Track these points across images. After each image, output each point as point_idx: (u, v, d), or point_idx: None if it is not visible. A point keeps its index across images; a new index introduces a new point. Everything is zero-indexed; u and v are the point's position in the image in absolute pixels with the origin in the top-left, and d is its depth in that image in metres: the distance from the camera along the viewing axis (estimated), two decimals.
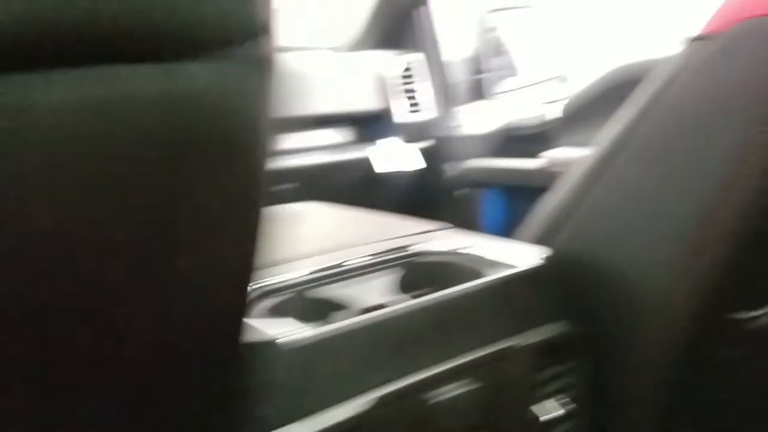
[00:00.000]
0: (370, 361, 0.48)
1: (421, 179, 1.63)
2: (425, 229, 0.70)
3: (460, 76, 1.78)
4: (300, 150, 1.54)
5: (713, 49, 0.53)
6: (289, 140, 1.56)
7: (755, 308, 0.62)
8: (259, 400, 0.43)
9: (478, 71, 1.78)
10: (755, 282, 0.62)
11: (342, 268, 0.60)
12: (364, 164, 1.55)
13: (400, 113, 1.58)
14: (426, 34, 1.68)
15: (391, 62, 1.57)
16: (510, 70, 1.86)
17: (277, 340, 0.45)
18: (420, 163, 1.56)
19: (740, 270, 0.58)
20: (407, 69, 1.59)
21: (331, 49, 1.74)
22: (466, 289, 0.55)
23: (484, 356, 0.53)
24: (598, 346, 0.62)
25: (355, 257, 0.61)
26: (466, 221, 1.00)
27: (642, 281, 0.60)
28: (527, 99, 1.66)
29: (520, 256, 0.60)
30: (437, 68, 1.69)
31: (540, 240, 0.66)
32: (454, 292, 0.54)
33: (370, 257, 0.61)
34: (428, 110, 1.62)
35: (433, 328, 0.52)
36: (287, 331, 0.46)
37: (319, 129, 1.59)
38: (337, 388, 0.46)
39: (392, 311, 0.50)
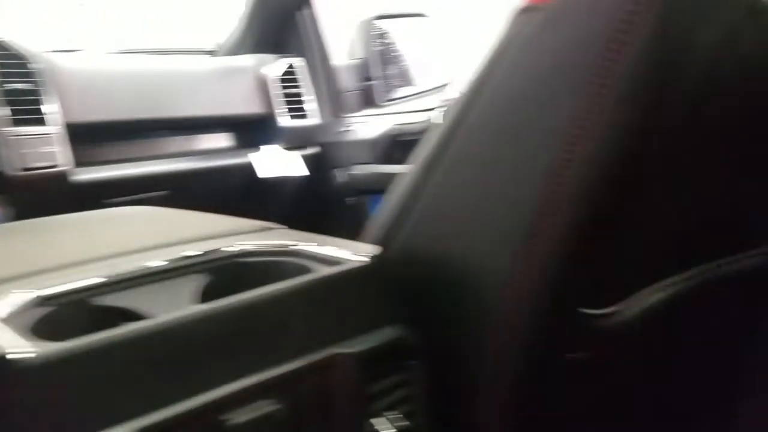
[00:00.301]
0: (142, 380, 0.39)
1: (307, 186, 1.56)
2: (251, 229, 0.62)
3: (349, 82, 1.73)
4: (175, 155, 1.44)
5: (539, 21, 0.48)
6: (163, 144, 1.46)
7: (605, 305, 0.58)
8: None
9: (369, 78, 1.74)
10: (603, 276, 0.57)
11: (138, 273, 0.51)
12: (247, 170, 1.47)
13: (283, 118, 1.51)
14: (310, 37, 1.61)
15: (270, 66, 1.49)
16: (402, 78, 1.83)
17: (8, 356, 0.35)
18: (303, 170, 1.49)
19: (585, 262, 0.54)
20: (288, 73, 1.52)
21: (208, 52, 1.66)
22: (275, 290, 0.47)
23: (300, 368, 0.46)
24: (436, 352, 0.56)
25: (158, 260, 0.53)
26: (354, 229, 0.93)
27: (481, 279, 0.54)
28: (417, 106, 1.62)
29: (348, 255, 0.53)
30: (323, 73, 1.63)
31: (379, 241, 0.60)
32: (261, 294, 0.46)
33: (175, 260, 0.53)
34: (313, 115, 1.55)
35: (232, 337, 0.44)
36: (28, 345, 0.37)
37: (198, 134, 1.50)
38: (90, 417, 0.37)
39: (175, 318, 0.42)
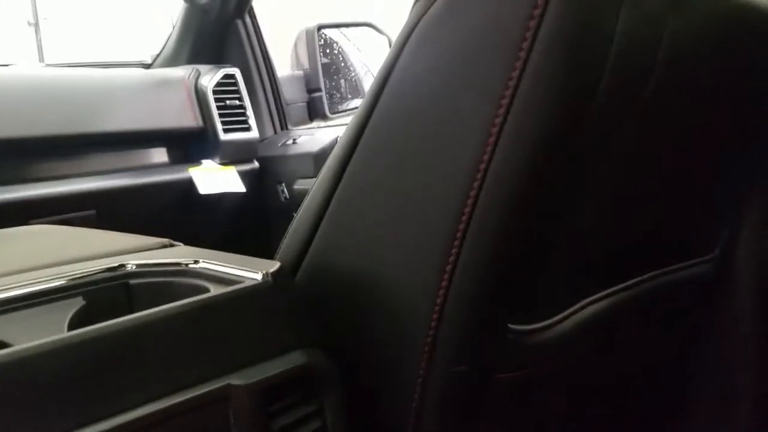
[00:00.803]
0: None
1: (247, 203, 1.49)
2: (150, 246, 0.56)
3: (295, 93, 1.68)
4: (105, 171, 1.36)
5: (437, 11, 0.43)
6: (93, 161, 1.38)
7: (537, 320, 0.53)
8: None
9: (315, 89, 1.69)
10: (533, 290, 0.53)
11: (6, 298, 0.44)
12: (183, 186, 1.40)
13: (219, 131, 1.45)
14: (251, 46, 1.56)
15: (205, 76, 1.43)
16: (352, 89, 1.79)
17: None
18: (240, 187, 1.43)
19: (511, 276, 0.49)
20: (226, 84, 1.46)
21: (144, 65, 1.59)
22: (158, 313, 0.41)
23: (187, 402, 0.40)
24: (354, 379, 0.51)
25: (32, 282, 0.46)
26: None
27: (397, 297, 0.49)
28: None
29: (247, 273, 0.48)
30: (265, 84, 1.58)
31: (288, 260, 0.55)
32: (141, 318, 0.40)
33: (49, 282, 0.47)
34: (253, 128, 1.49)
35: (106, 367, 0.37)
36: None
37: (130, 149, 1.42)
38: None
39: (34, 347, 0.36)
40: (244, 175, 1.49)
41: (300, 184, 1.49)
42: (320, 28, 1.63)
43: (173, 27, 1.53)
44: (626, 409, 0.67)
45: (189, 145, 1.47)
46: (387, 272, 0.50)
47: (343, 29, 1.74)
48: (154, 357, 0.40)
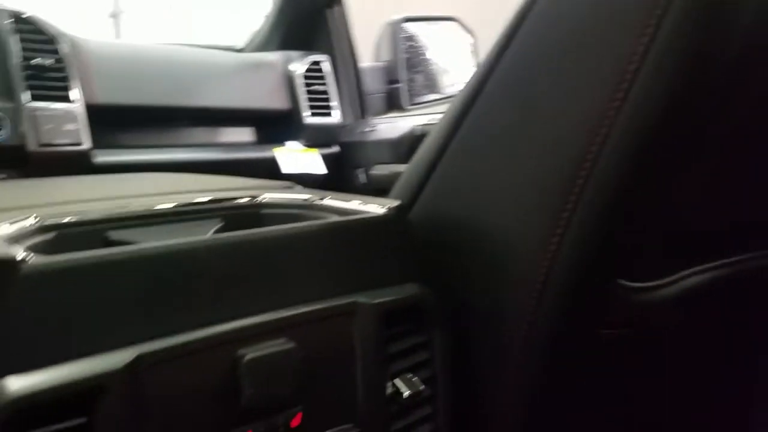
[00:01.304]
0: (148, 305, 0.37)
1: (326, 185, 1.54)
2: (275, 186, 0.60)
3: (374, 84, 1.72)
4: (197, 145, 1.43)
5: None
6: (185, 134, 1.45)
7: (644, 279, 0.54)
8: None
9: (394, 81, 1.73)
10: (645, 249, 0.54)
11: (150, 212, 0.49)
12: (268, 165, 1.45)
13: (306, 115, 1.50)
14: (339, 35, 1.61)
15: (295, 62, 1.49)
16: (429, 83, 1.82)
17: (17, 261, 0.33)
18: (322, 169, 1.47)
19: (626, 230, 0.51)
20: (314, 70, 1.51)
21: (237, 50, 1.66)
22: (295, 229, 0.44)
23: (317, 311, 0.43)
24: (459, 319, 0.53)
25: (172, 203, 0.51)
26: None
27: (510, 245, 0.51)
28: (443, 110, 1.60)
29: (368, 208, 0.51)
30: (349, 72, 1.62)
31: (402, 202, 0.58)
32: (280, 231, 0.44)
33: (190, 204, 0.51)
34: (336, 114, 1.54)
35: (249, 270, 0.41)
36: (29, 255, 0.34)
37: (221, 126, 1.49)
38: (89, 335, 0.35)
39: (188, 243, 0.39)
40: (325, 159, 1.53)
41: (377, 170, 1.52)
42: (405, 20, 1.66)
43: (266, 15, 1.60)
44: (713, 386, 0.67)
45: (275, 126, 1.52)
46: (498, 222, 0.52)
47: (426, 24, 1.77)
48: (291, 267, 0.43)
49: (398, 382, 0.48)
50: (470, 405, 0.53)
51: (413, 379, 0.49)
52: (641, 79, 0.44)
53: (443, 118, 0.56)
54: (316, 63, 1.52)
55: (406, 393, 0.48)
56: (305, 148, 1.51)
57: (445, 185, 0.56)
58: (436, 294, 0.51)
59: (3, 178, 1.11)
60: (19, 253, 0.33)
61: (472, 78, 0.54)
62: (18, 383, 0.32)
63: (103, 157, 1.24)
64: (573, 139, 0.47)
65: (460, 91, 0.55)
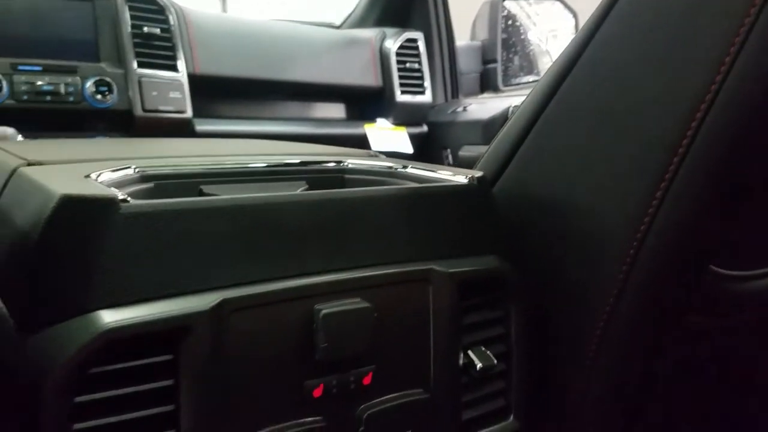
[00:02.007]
0: (235, 253, 0.38)
1: None
2: (354, 153, 0.61)
3: (469, 64, 1.70)
4: (291, 119, 1.47)
5: None
6: (280, 108, 1.49)
7: (742, 267, 0.51)
8: (90, 272, 0.34)
9: (490, 61, 1.70)
10: (740, 236, 0.51)
11: (242, 170, 0.51)
12: (359, 141, 1.47)
13: (397, 93, 1.50)
14: (436, 13, 1.60)
15: (390, 39, 1.49)
16: (526, 65, 1.77)
17: (118, 200, 0.35)
18: (408, 148, 1.48)
19: (721, 215, 0.48)
20: (408, 47, 1.51)
21: (334, 26, 1.68)
22: (372, 192, 0.45)
23: (394, 274, 0.43)
24: (538, 296, 0.52)
25: (264, 163, 0.52)
26: None
27: (597, 218, 0.49)
28: None
29: (452, 177, 0.51)
30: (444, 50, 1.61)
31: (488, 173, 0.57)
32: (358, 192, 0.44)
33: (281, 166, 0.52)
34: (427, 92, 1.54)
35: (331, 229, 0.42)
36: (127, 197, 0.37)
37: (313, 101, 1.52)
38: (178, 277, 0.36)
39: (276, 197, 0.41)
40: (413, 138, 1.54)
41: (466, 151, 1.51)
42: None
43: None
44: None
45: (366, 103, 1.54)
46: (586, 199, 0.50)
47: (527, 4, 1.72)
48: (371, 229, 0.44)
49: (471, 353, 0.48)
50: (544, 383, 0.52)
51: (487, 353, 0.48)
52: (741, 61, 0.41)
53: (532, 94, 0.55)
54: (411, 40, 1.52)
55: (479, 365, 0.47)
56: (394, 126, 1.52)
57: (531, 160, 0.55)
58: (516, 269, 0.50)
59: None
60: (120, 195, 0.36)
61: (562, 55, 0.53)
62: (110, 317, 0.34)
63: (202, 126, 1.30)
64: (668, 121, 0.45)
65: (550, 67, 0.54)
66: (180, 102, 1.21)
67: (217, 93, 1.37)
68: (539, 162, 0.55)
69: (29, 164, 0.45)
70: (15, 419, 0.34)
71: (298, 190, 0.49)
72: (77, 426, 0.33)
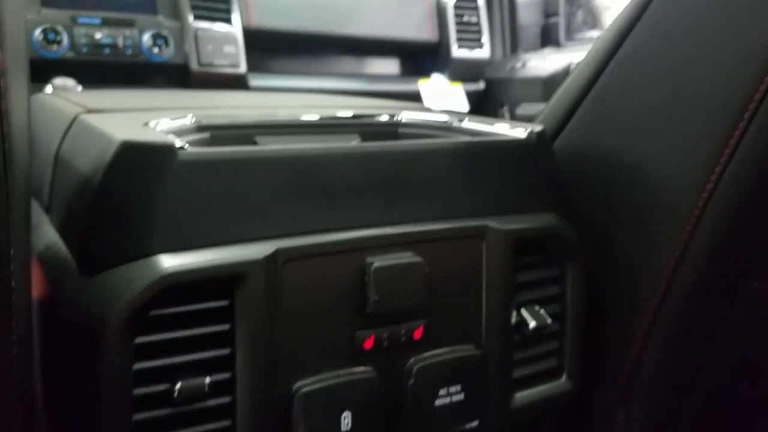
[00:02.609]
0: (290, 203, 0.38)
1: None
2: (408, 107, 0.59)
3: (530, 17, 1.64)
4: (345, 75, 1.46)
5: None
6: (333, 63, 1.48)
7: None
8: (145, 219, 0.35)
9: (553, 14, 1.64)
10: None
11: (297, 122, 0.50)
12: (413, 98, 1.45)
13: (453, 48, 1.47)
14: None
15: None
16: (590, 20, 1.70)
17: (176, 148, 0.36)
18: (464, 106, 1.45)
19: None
20: (465, 0, 1.46)
21: None
22: (427, 145, 0.44)
23: (448, 230, 0.43)
24: (596, 253, 0.50)
25: (318, 116, 0.52)
26: None
27: (662, 177, 0.47)
28: None
29: (511, 132, 0.49)
30: (503, 3, 1.56)
31: (548, 128, 0.55)
32: (413, 145, 0.43)
33: (335, 118, 0.52)
34: (485, 47, 1.49)
35: (386, 181, 0.41)
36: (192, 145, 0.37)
37: (367, 56, 1.51)
38: (232, 224, 0.37)
39: (331, 148, 0.40)
40: (469, 95, 1.51)
41: (524, 109, 1.47)
42: None
43: None
44: None
45: (421, 58, 1.51)
46: (650, 157, 0.48)
47: None
48: (425, 183, 0.43)
49: (525, 312, 0.47)
50: (599, 346, 0.51)
51: (541, 312, 0.48)
52: None
53: (594, 49, 0.53)
54: None
55: (532, 324, 0.47)
56: (450, 82, 1.49)
57: (593, 117, 0.53)
58: (574, 227, 0.49)
59: None
60: (177, 143, 0.36)
61: (627, 8, 0.50)
62: (169, 262, 0.35)
63: (256, 81, 1.30)
64: (740, 76, 0.42)
65: (613, 21, 0.51)
66: (234, 57, 1.21)
67: (271, 48, 1.36)
68: (601, 119, 0.52)
69: (89, 111, 0.46)
70: (79, 359, 0.35)
71: (351, 143, 0.49)
72: (138, 366, 0.34)
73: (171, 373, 0.36)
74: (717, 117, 0.44)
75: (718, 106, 0.44)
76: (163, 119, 0.43)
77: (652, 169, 0.48)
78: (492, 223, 0.44)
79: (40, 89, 0.73)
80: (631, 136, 0.50)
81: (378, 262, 0.40)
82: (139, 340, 0.34)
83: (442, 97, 1.47)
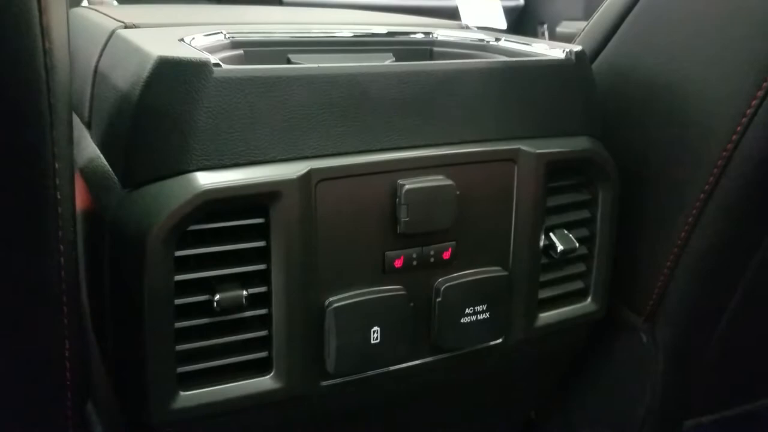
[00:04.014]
0: (324, 123, 0.38)
1: None
2: (444, 25, 0.58)
3: None
4: None
5: None
6: None
7: None
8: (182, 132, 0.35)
9: None
10: None
11: (330, 39, 0.50)
12: (450, 15, 1.41)
13: None
14: None
15: None
16: None
17: (212, 64, 0.36)
18: (502, 23, 1.40)
19: None
20: None
21: None
22: (461, 65, 0.43)
23: (480, 153, 0.43)
24: (630, 179, 0.50)
25: (351, 33, 0.51)
26: None
27: (703, 103, 0.46)
28: None
29: (548, 51, 0.48)
30: None
31: (587, 49, 0.53)
32: (447, 65, 0.43)
33: (368, 36, 0.51)
34: None
35: (418, 102, 0.41)
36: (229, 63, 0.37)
37: None
38: (272, 143, 0.37)
39: (362, 67, 0.40)
40: (507, 11, 1.45)
41: (564, 27, 1.41)
42: None
43: None
44: None
45: None
46: (692, 79, 0.47)
47: None
48: (459, 105, 0.42)
49: (553, 236, 0.48)
50: (625, 268, 0.52)
51: (569, 236, 0.48)
52: None
53: None
54: None
55: (560, 248, 0.47)
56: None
57: (636, 35, 0.51)
58: (608, 150, 0.48)
59: None
60: (213, 60, 0.36)
61: None
62: (206, 179, 0.36)
63: None
64: None
65: None
66: None
67: None
68: (644, 38, 0.51)
69: (126, 27, 0.46)
70: (123, 270, 0.37)
71: (385, 62, 0.48)
72: (179, 277, 0.36)
73: (210, 286, 0.37)
74: (762, 46, 0.42)
75: (759, 39, 0.42)
76: (198, 35, 0.43)
77: (693, 90, 0.47)
78: (525, 146, 0.44)
79: (77, 3, 0.73)
80: (675, 56, 0.48)
81: (409, 184, 0.40)
82: (179, 253, 0.36)
83: (480, 13, 1.42)
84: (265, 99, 0.37)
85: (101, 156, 0.42)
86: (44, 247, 0.31)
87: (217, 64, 0.36)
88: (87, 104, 0.45)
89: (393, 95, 0.40)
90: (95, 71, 0.44)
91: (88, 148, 0.44)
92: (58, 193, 0.30)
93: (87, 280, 0.42)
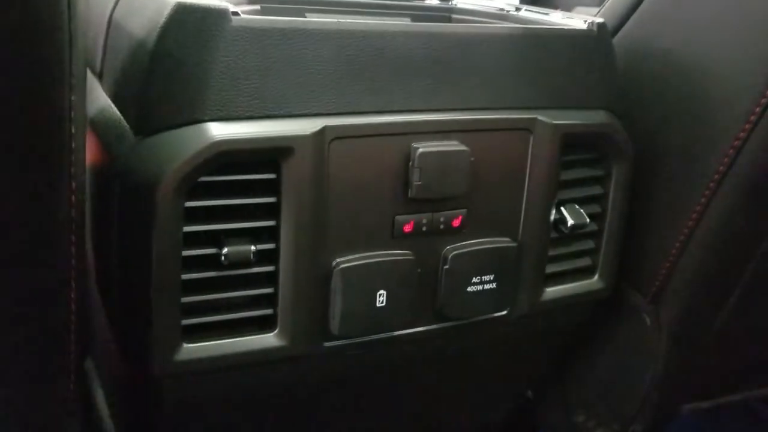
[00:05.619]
0: (338, 80, 0.38)
1: None
2: None
3: None
4: None
5: None
6: None
7: None
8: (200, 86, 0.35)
9: None
10: None
11: (348, 1, 0.49)
12: None
13: None
14: None
15: None
16: None
17: (230, 12, 0.35)
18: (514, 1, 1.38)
19: None
20: None
21: None
22: (480, 29, 0.42)
23: (495, 120, 0.42)
24: (643, 156, 0.49)
25: None
26: None
27: (724, 80, 0.45)
28: None
29: (570, 21, 0.47)
30: None
31: (609, 22, 0.53)
32: (464, 28, 0.42)
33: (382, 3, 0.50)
34: None
35: (436, 63, 0.40)
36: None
37: None
38: (286, 97, 0.37)
39: (380, 25, 0.39)
40: None
41: (577, 11, 1.39)
42: None
43: None
44: None
45: None
46: (714, 56, 0.46)
47: None
48: (476, 70, 0.42)
49: (564, 210, 0.47)
50: (634, 247, 0.52)
51: (580, 211, 0.48)
52: None
53: None
54: None
55: (570, 223, 0.47)
56: None
57: (657, 12, 0.50)
58: (625, 127, 0.47)
59: None
60: (231, 8, 0.35)
61: None
62: (219, 130, 0.35)
63: None
64: None
65: None
66: None
67: None
68: (667, 14, 0.50)
69: None
70: (132, 218, 0.36)
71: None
72: (187, 229, 0.36)
73: (219, 239, 0.37)
74: None
75: None
76: None
77: (714, 69, 0.46)
78: (542, 116, 0.43)
79: None
80: (697, 34, 0.47)
81: (423, 147, 0.40)
82: (189, 203, 0.36)
83: None
84: (282, 51, 0.36)
85: (113, 106, 0.41)
86: (56, 191, 0.30)
87: (236, 13, 0.35)
88: (100, 55, 0.44)
89: (411, 55, 0.40)
90: (109, 21, 0.44)
91: (99, 99, 0.43)
92: (73, 141, 0.30)
93: (92, 231, 0.42)
